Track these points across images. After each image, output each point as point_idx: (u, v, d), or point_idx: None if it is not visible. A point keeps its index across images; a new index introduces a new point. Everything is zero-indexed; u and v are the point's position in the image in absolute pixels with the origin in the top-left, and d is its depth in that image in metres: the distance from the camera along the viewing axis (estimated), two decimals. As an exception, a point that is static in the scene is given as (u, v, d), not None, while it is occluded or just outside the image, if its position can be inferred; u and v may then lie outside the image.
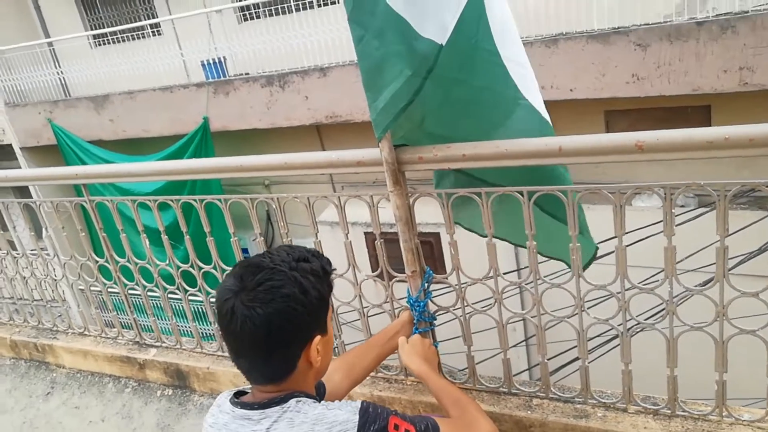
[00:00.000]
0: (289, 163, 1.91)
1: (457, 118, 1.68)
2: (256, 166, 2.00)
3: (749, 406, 1.67)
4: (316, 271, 1.19)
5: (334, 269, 1.28)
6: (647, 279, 1.58)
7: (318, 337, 1.19)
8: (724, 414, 1.63)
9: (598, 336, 3.87)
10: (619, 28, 5.76)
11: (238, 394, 1.24)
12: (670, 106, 6.05)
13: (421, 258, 1.84)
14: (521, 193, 1.61)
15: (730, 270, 1.48)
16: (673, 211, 1.41)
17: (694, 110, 6.27)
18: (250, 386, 1.24)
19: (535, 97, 1.66)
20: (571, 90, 6.00)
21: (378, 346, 1.78)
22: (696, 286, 1.55)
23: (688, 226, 4.31)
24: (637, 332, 1.78)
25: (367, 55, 1.49)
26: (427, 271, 1.86)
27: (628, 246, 1.57)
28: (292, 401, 1.15)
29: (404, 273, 1.86)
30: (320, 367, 1.25)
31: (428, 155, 1.64)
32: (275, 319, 1.10)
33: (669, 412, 1.70)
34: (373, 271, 2.00)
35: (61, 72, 9.82)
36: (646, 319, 1.67)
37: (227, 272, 1.21)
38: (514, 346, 6.12)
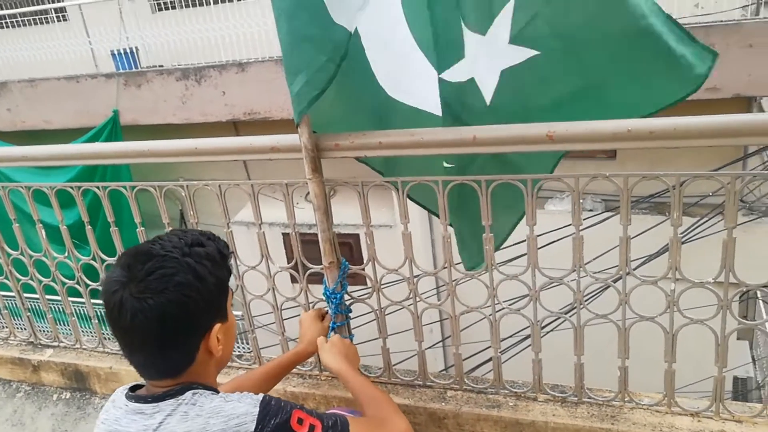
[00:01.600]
0: (200, 148, 1.83)
1: (348, 106, 1.69)
2: (166, 152, 1.91)
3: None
4: (211, 256, 1.12)
5: (231, 252, 1.22)
6: (562, 276, 1.63)
7: (218, 325, 1.12)
8: (626, 399, 1.70)
9: (512, 335, 3.99)
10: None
11: (134, 387, 1.16)
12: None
13: (337, 250, 1.81)
14: (436, 183, 1.61)
15: (635, 269, 1.54)
16: (580, 201, 1.46)
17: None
18: None
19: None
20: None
21: (279, 370, 1.71)
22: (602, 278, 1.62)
23: (596, 230, 4.51)
24: (548, 324, 1.83)
25: (282, 37, 1.45)
26: (343, 263, 1.84)
27: (541, 248, 1.61)
28: (188, 393, 1.08)
29: (320, 267, 1.82)
30: (222, 356, 1.18)
31: (344, 142, 1.61)
32: (169, 309, 1.03)
33: (576, 399, 1.76)
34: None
35: (-48, 56, 9.08)
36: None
37: (114, 262, 1.12)
38: (431, 347, 6.20)
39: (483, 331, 1.81)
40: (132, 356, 1.10)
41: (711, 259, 1.56)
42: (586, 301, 1.65)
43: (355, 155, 1.64)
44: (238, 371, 2.19)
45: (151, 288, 1.03)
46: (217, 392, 1.13)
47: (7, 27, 9.13)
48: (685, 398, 1.66)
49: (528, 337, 1.76)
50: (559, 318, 1.72)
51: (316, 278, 1.89)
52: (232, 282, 1.99)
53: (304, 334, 1.77)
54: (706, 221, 5.04)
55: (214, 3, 7.71)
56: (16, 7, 9.00)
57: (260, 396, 1.10)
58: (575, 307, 1.64)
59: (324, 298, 1.87)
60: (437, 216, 1.68)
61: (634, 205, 5.72)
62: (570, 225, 1.54)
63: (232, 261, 1.22)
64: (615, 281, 1.61)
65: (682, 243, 1.49)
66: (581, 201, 1.48)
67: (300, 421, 1.08)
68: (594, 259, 3.09)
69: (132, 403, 1.10)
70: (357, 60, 1.64)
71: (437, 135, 1.52)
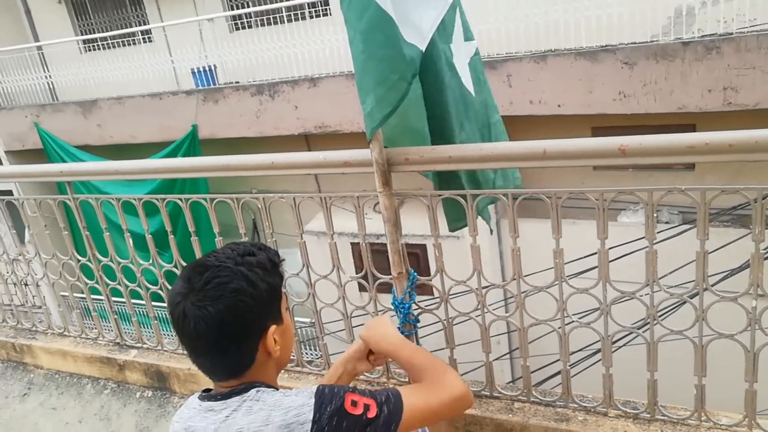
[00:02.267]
0: (276, 162, 1.91)
1: (427, 115, 1.73)
2: (243, 166, 2.00)
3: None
4: (262, 264, 1.20)
5: (283, 260, 1.29)
6: (635, 291, 1.60)
7: (273, 327, 1.20)
8: (702, 418, 1.64)
9: (582, 349, 3.89)
10: (606, 46, 5.86)
11: (207, 390, 1.25)
12: (655, 124, 6.14)
13: (406, 260, 1.85)
14: (506, 196, 1.63)
15: (714, 284, 1.50)
16: (654, 215, 1.43)
17: (680, 129, 6.37)
18: None
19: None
20: (558, 106, 6.07)
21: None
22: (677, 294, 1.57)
23: (672, 243, 4.35)
24: (619, 339, 1.80)
25: (355, 57, 1.50)
26: (411, 274, 1.87)
27: (613, 261, 1.59)
28: (252, 391, 1.16)
29: (389, 278, 1.86)
30: (281, 357, 1.26)
31: (414, 157, 1.65)
32: (226, 315, 1.12)
33: (648, 416, 1.71)
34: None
35: (50, 76, 9.77)
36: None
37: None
38: (498, 358, 6.12)
39: (552, 344, 1.80)
40: (198, 360, 1.19)
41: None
42: (660, 316, 1.61)
43: (424, 169, 1.67)
44: (309, 377, 2.25)
45: (209, 296, 1.12)
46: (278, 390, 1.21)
47: (98, 49, 9.76)
48: None
49: (599, 351, 1.73)
50: (631, 333, 1.69)
51: (384, 287, 1.93)
52: (304, 290, 2.07)
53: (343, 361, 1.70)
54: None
55: (288, 21, 7.98)
56: (107, 31, 9.62)
57: (315, 387, 1.17)
58: (648, 323, 1.60)
59: (393, 308, 1.91)
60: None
61: (715, 217, 5.46)
62: (643, 238, 1.52)
63: (283, 268, 1.29)
64: (692, 297, 1.57)
65: (766, 259, 1.44)
66: (656, 214, 1.45)
67: (354, 404, 1.14)
68: (670, 273, 2.99)
69: (204, 402, 1.19)
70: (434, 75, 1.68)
71: (506, 149, 1.53)
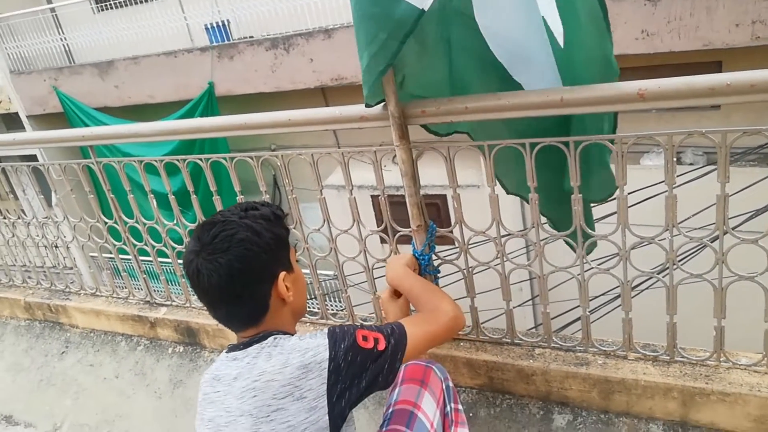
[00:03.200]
0: (293, 119, 1.92)
1: (437, 79, 1.70)
2: (261, 124, 2.01)
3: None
4: (266, 216, 1.30)
5: (287, 214, 1.39)
6: (654, 236, 1.59)
7: (283, 273, 1.28)
8: (721, 359, 1.66)
9: (602, 294, 3.91)
10: (628, -18, 5.65)
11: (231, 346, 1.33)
12: (680, 62, 5.96)
13: (425, 213, 1.86)
14: (523, 146, 1.61)
15: (737, 227, 1.49)
16: (674, 159, 1.42)
17: (705, 67, 6.18)
18: None
19: (527, 68, 1.63)
20: (579, 48, 5.91)
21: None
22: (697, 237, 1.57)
23: (698, 184, 4.29)
24: (639, 283, 1.80)
25: (352, 13, 1.49)
26: (431, 226, 1.89)
27: (634, 205, 1.59)
28: (270, 339, 1.24)
29: (408, 231, 1.88)
30: (295, 304, 1.34)
31: (431, 109, 1.64)
32: (236, 263, 1.20)
33: (668, 358, 1.74)
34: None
35: (65, 38, 9.76)
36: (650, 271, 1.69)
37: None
38: (519, 305, 6.18)
39: (573, 290, 1.81)
40: (217, 313, 1.28)
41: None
42: (681, 261, 1.61)
43: (441, 120, 1.66)
44: (334, 328, 2.31)
45: (218, 249, 1.21)
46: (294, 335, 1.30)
47: (111, 8, 9.69)
48: (788, 359, 1.60)
49: (619, 296, 1.75)
50: (651, 277, 1.70)
51: (406, 238, 1.95)
52: (326, 244, 2.10)
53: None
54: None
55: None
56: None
57: (326, 329, 1.25)
58: (668, 267, 1.61)
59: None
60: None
61: (740, 157, 5.35)
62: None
63: (287, 221, 1.39)
64: (712, 241, 1.56)
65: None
66: (680, 155, 1.44)
67: (365, 338, 1.23)
68: (693, 215, 2.96)
69: (229, 353, 1.28)
70: (464, 36, 1.62)
71: (524, 98, 1.51)
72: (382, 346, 1.25)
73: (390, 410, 1.39)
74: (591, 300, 1.84)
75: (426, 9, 1.40)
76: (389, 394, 1.46)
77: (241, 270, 1.21)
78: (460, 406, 1.54)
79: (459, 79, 1.77)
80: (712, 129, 1.37)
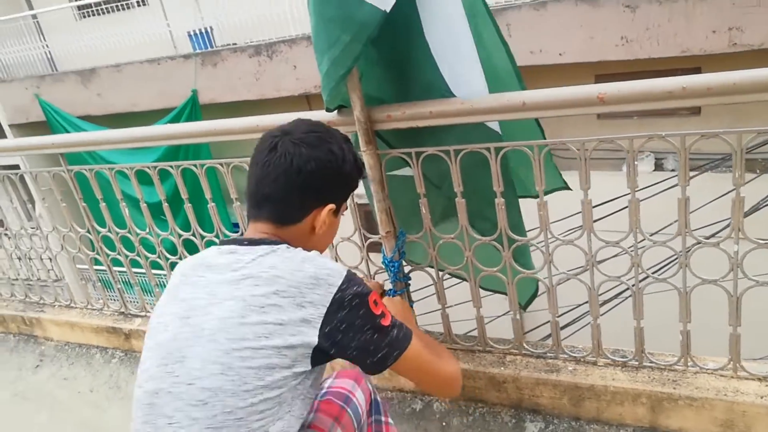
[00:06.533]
0: (260, 125, 1.90)
1: (388, 80, 1.69)
2: (229, 130, 1.98)
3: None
4: (358, 161, 1.31)
5: (365, 176, 1.42)
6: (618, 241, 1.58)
7: (332, 206, 1.25)
8: (689, 363, 1.66)
9: (579, 306, 3.92)
10: (607, -12, 5.70)
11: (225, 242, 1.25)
12: (660, 69, 6.01)
13: (394, 219, 1.85)
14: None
15: (714, 234, 1.49)
16: (635, 163, 1.42)
17: (684, 73, 6.24)
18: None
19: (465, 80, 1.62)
20: (560, 54, 5.95)
21: None
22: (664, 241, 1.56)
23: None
24: (610, 289, 1.80)
25: (311, 17, 1.49)
26: (400, 232, 1.87)
27: (617, 212, 1.58)
28: (283, 246, 1.18)
29: (378, 237, 1.87)
30: (318, 240, 1.29)
31: (396, 113, 1.64)
32: (313, 162, 1.19)
33: (636, 363, 1.73)
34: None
35: (47, 45, 9.69)
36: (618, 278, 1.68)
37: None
38: (504, 315, 6.16)
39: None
40: (256, 191, 1.22)
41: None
42: (655, 266, 1.61)
43: (406, 125, 1.66)
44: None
45: (307, 142, 1.20)
46: None
47: (94, 15, 9.64)
48: (753, 362, 1.60)
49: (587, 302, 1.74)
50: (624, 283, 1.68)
51: (379, 247, 1.93)
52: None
53: None
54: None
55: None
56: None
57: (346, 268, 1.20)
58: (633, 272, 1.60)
59: (383, 267, 1.92)
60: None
61: (720, 163, 5.40)
62: (650, 186, 1.50)
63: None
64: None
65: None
66: (662, 161, 1.44)
67: (376, 303, 1.16)
68: (669, 225, 2.96)
69: (225, 246, 1.20)
70: (412, 39, 1.61)
71: (486, 102, 1.51)
72: (386, 322, 1.16)
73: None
74: (574, 307, 1.83)
75: (387, 10, 1.39)
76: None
77: (311, 173, 1.19)
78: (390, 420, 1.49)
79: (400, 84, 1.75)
80: (672, 132, 1.37)
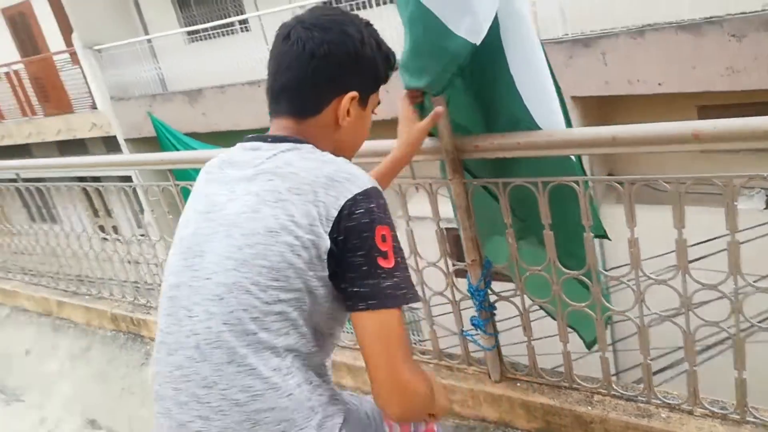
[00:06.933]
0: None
1: (474, 109, 1.70)
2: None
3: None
4: (382, 46, 1.20)
5: (396, 66, 1.25)
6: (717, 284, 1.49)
7: (355, 94, 1.16)
8: (797, 422, 1.54)
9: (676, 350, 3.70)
10: (711, 17, 5.44)
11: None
12: (768, 100, 5.66)
13: (480, 247, 1.85)
14: (577, 183, 1.59)
15: None
16: (735, 203, 1.36)
17: (799, 104, 5.83)
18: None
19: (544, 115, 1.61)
20: (659, 84, 5.72)
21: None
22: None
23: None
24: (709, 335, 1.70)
25: (405, 46, 1.53)
26: (486, 261, 1.87)
27: (719, 252, 1.52)
28: (308, 145, 1.13)
29: (463, 265, 1.88)
30: (344, 138, 1.20)
31: (484, 143, 1.65)
32: (326, 45, 1.11)
33: (738, 417, 1.63)
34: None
35: (159, 67, 10.40)
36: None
37: None
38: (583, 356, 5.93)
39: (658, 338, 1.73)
40: (275, 81, 1.16)
41: None
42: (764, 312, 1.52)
43: (493, 156, 1.67)
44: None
45: (320, 25, 1.13)
46: None
47: (201, 40, 10.27)
48: None
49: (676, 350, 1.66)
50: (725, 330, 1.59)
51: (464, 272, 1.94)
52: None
53: (401, 135, 1.62)
54: None
55: (376, 4, 8.04)
56: (208, 22, 10.09)
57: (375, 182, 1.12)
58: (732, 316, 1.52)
59: (468, 295, 1.92)
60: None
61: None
62: (748, 228, 1.43)
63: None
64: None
65: None
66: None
67: (384, 238, 1.04)
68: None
69: (249, 142, 1.17)
70: (497, 68, 1.61)
71: (575, 135, 1.50)
72: (384, 263, 1.04)
73: None
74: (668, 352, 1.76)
75: (478, 44, 1.42)
76: None
77: (325, 55, 1.11)
78: None
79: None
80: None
